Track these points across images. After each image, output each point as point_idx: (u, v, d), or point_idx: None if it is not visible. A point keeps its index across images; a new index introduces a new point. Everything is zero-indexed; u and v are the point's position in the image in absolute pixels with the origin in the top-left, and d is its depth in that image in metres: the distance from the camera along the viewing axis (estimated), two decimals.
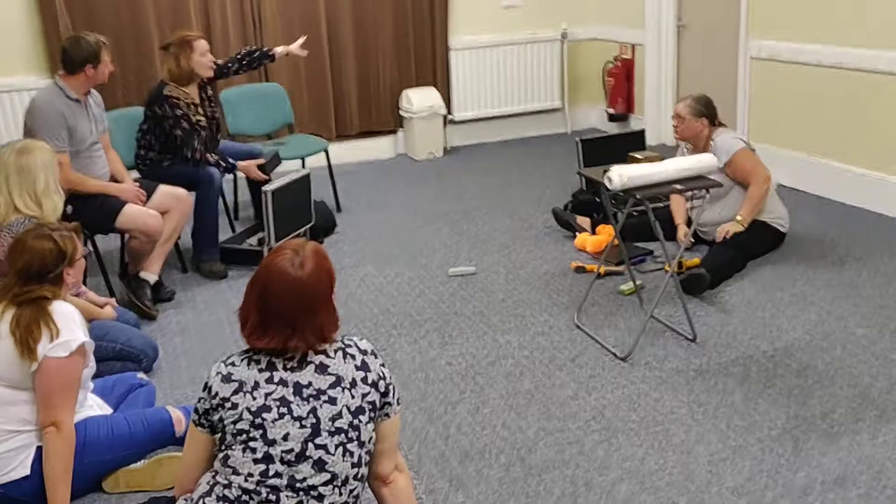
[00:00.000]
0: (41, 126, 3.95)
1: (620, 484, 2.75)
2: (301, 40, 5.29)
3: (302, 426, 2.05)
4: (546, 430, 3.06)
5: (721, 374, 3.39)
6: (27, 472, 2.60)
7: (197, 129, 4.62)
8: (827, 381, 3.29)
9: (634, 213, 4.83)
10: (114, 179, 4.30)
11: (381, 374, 2.17)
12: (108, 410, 2.89)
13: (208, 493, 2.07)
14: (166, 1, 6.08)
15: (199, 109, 4.70)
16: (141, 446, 2.81)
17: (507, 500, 2.69)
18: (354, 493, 2.14)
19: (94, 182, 4.12)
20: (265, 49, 5.19)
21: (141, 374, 3.22)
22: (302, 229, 4.83)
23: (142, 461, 2.82)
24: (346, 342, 2.17)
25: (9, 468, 2.59)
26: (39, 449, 2.61)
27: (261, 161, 4.92)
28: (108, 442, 2.74)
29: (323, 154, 5.64)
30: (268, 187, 4.48)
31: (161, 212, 4.23)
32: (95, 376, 3.08)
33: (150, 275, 4.24)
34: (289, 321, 2.06)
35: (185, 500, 2.16)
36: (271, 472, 2.04)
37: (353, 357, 2.14)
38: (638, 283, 4.08)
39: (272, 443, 2.03)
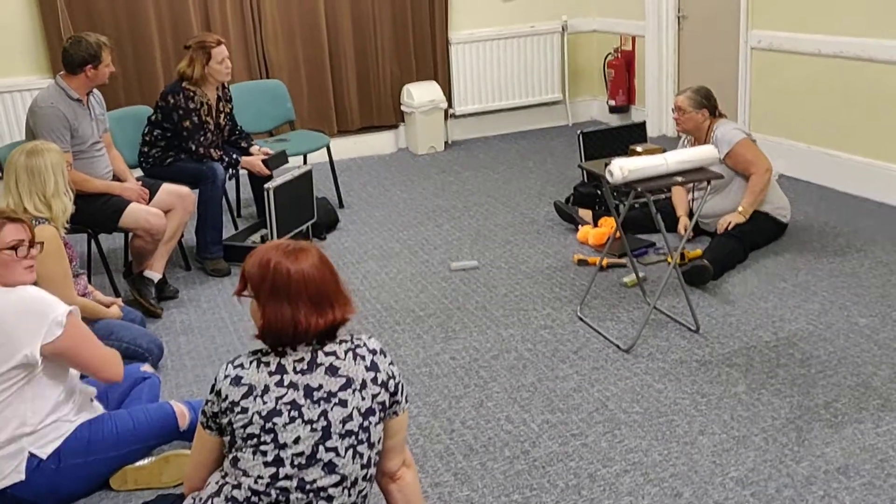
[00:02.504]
0: (43, 126, 3.96)
1: (624, 475, 2.76)
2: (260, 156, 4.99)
3: (313, 429, 2.05)
4: (550, 423, 3.07)
5: (724, 365, 3.40)
6: (22, 477, 2.63)
7: (205, 127, 4.65)
8: (830, 371, 3.31)
9: (636, 206, 4.85)
10: (116, 179, 4.32)
11: (391, 374, 2.16)
12: (99, 407, 2.90)
13: (217, 494, 2.08)
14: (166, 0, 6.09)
15: (212, 113, 4.73)
16: (145, 441, 2.82)
17: (511, 494, 2.71)
18: (363, 493, 2.15)
19: (97, 181, 4.13)
20: (244, 145, 5.04)
21: (145, 367, 3.23)
22: (304, 226, 4.85)
23: (149, 459, 2.84)
24: (356, 342, 2.16)
25: (3, 474, 2.62)
26: (31, 455, 2.63)
27: (263, 157, 4.94)
28: (113, 439, 2.75)
29: (324, 150, 5.65)
30: (270, 184, 4.50)
31: (164, 210, 4.24)
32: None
33: (154, 273, 4.25)
34: (330, 295, 2.09)
35: (193, 498, 2.16)
36: (281, 475, 2.04)
37: (362, 358, 2.13)
38: (640, 275, 4.08)
39: (283, 446, 2.03)
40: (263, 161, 4.90)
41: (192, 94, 4.62)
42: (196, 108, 4.62)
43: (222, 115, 4.85)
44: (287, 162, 5.15)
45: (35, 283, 2.75)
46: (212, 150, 4.68)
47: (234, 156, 4.82)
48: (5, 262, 2.66)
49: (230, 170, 4.80)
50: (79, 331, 2.66)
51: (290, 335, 2.07)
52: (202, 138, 4.64)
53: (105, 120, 4.34)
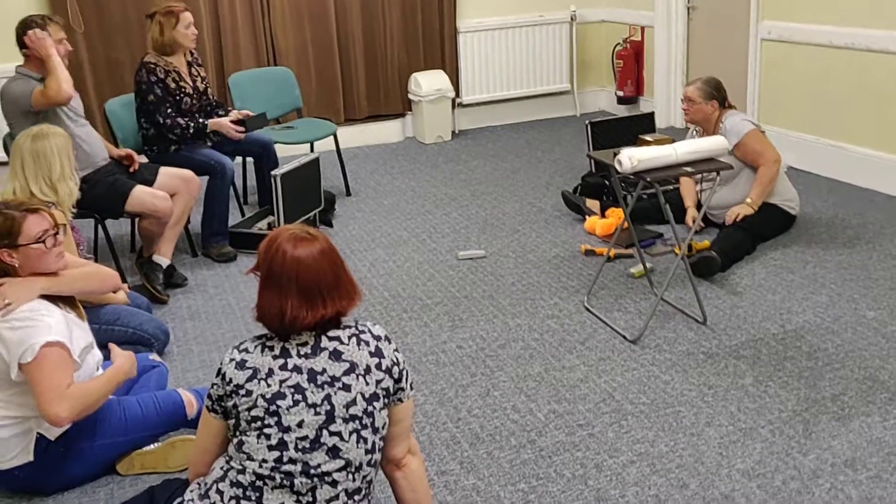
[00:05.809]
0: (12, 111, 3.97)
1: (631, 466, 2.76)
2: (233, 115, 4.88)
3: (316, 413, 2.05)
4: (556, 413, 3.07)
5: (731, 357, 3.39)
6: (30, 457, 2.63)
7: (173, 96, 4.59)
8: (837, 364, 3.29)
9: (644, 196, 4.84)
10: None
11: (395, 360, 2.17)
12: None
13: (222, 479, 2.09)
14: None
15: (187, 79, 4.70)
16: (153, 429, 2.83)
17: (517, 483, 2.71)
18: (367, 478, 2.15)
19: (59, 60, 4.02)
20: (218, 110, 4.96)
21: (153, 355, 3.24)
22: (311, 213, 4.84)
23: (155, 443, 2.85)
24: (360, 328, 2.16)
25: (12, 454, 2.63)
26: (39, 436, 2.63)
27: (240, 117, 4.83)
28: (121, 425, 2.76)
29: (331, 138, 5.64)
30: (277, 171, 4.49)
31: (170, 194, 4.24)
32: (107, 358, 3.11)
33: (163, 259, 4.25)
34: (322, 289, 2.07)
35: (199, 483, 2.17)
36: (285, 459, 2.04)
37: (367, 343, 2.14)
38: (648, 265, 4.07)
39: (287, 430, 2.04)
40: (241, 121, 4.80)
41: (153, 66, 4.57)
42: (160, 79, 4.56)
43: (199, 79, 4.80)
44: (267, 124, 5.09)
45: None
46: (179, 119, 4.60)
47: (202, 121, 4.69)
48: (37, 255, 2.64)
49: (205, 139, 4.72)
50: (45, 365, 2.49)
51: (277, 325, 2.07)
52: (168, 110, 4.58)
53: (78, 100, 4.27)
